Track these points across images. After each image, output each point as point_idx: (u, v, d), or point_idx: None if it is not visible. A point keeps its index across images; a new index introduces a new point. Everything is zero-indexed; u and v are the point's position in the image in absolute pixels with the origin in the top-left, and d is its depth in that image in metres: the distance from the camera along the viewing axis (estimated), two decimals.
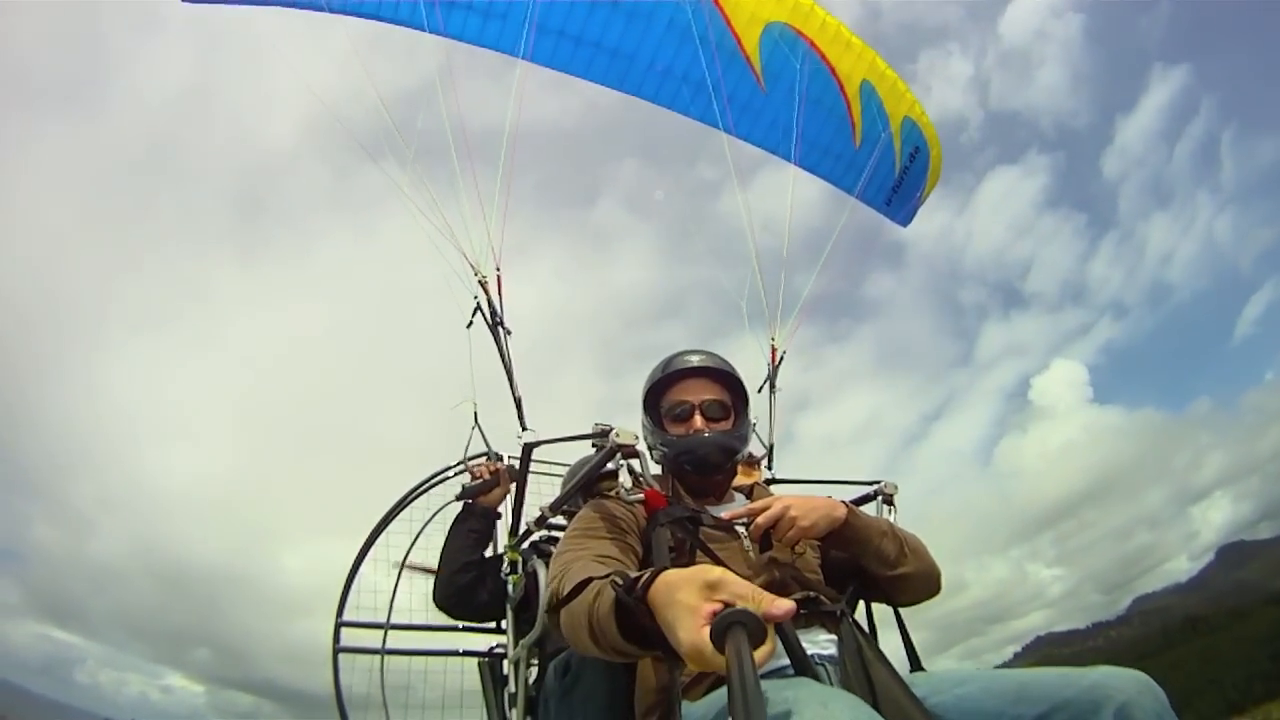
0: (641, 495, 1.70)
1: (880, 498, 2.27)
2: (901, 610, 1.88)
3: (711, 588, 0.93)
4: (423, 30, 3.51)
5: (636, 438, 1.80)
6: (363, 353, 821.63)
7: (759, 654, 0.82)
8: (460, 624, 2.73)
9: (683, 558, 1.62)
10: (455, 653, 2.75)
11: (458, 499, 2.63)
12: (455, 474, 2.77)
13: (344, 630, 2.58)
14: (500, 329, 2.93)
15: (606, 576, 1.23)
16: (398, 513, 2.73)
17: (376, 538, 2.67)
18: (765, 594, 0.90)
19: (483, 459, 2.79)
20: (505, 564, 2.45)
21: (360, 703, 2.43)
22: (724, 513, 1.73)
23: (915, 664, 1.85)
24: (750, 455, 3.01)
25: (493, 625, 2.75)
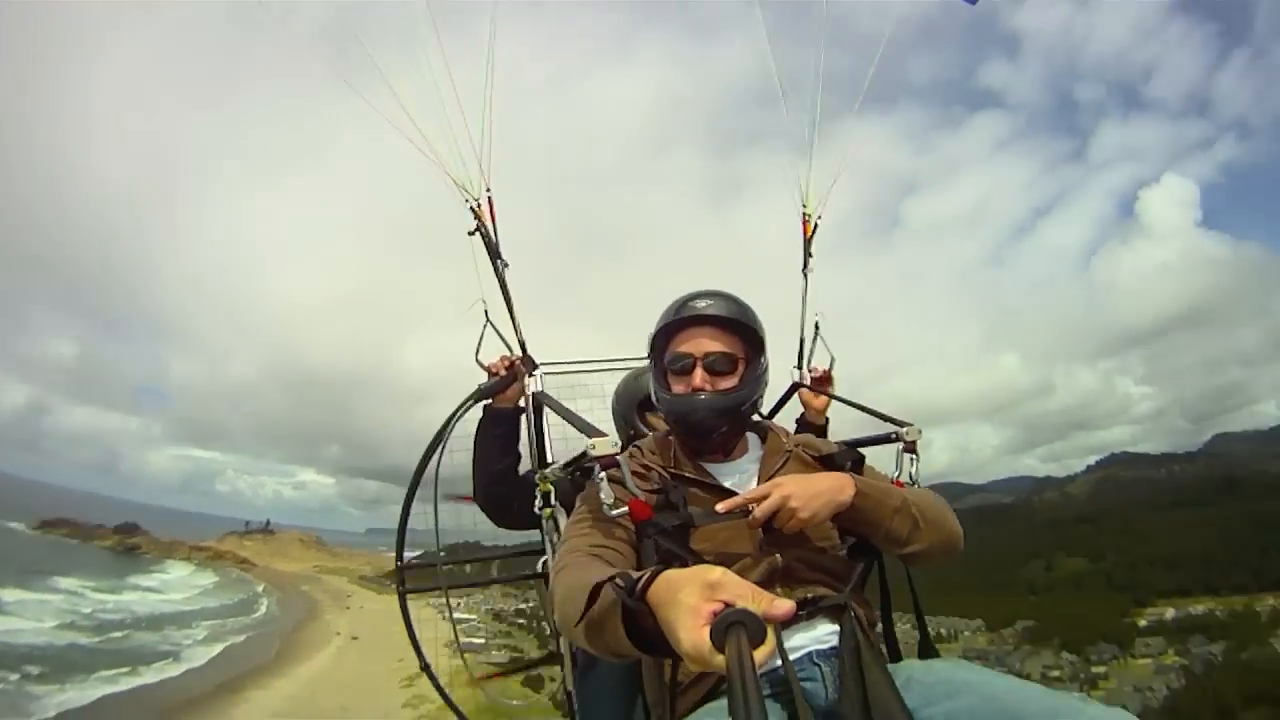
0: (625, 509, 1.57)
1: (901, 445, 2.03)
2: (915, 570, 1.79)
3: (712, 588, 0.93)
4: None
5: (615, 447, 1.64)
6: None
7: (759, 654, 0.83)
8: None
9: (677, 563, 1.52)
10: (514, 579, 2.84)
11: (474, 399, 2.53)
12: (475, 398, 2.58)
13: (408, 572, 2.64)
14: (498, 261, 2.60)
15: (609, 579, 1.17)
16: (436, 448, 2.63)
17: (420, 477, 2.60)
18: (765, 594, 0.91)
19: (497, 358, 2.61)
20: (538, 497, 2.39)
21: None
22: (721, 505, 1.59)
23: (927, 648, 1.78)
24: (815, 372, 2.85)
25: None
